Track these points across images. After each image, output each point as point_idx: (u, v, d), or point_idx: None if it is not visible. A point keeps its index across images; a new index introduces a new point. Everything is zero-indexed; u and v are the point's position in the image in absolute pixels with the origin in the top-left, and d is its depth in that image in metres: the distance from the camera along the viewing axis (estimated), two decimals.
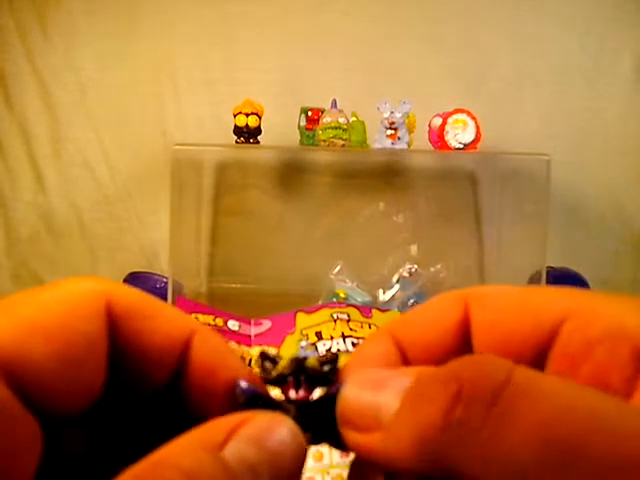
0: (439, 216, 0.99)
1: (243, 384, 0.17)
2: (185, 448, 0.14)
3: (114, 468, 0.16)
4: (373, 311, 0.74)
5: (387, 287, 0.90)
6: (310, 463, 0.67)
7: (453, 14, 1.00)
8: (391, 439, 0.15)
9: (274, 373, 0.17)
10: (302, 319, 0.71)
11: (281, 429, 0.15)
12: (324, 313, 0.71)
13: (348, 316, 0.71)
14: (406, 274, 0.90)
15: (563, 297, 0.17)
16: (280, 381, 0.17)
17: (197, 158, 0.99)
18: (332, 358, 0.18)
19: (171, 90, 1.01)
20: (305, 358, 0.17)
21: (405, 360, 0.18)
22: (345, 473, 0.59)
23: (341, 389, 0.17)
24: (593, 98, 1.00)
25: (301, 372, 0.17)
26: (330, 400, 0.17)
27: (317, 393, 0.17)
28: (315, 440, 0.17)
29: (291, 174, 1.01)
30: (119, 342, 0.16)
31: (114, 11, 1.00)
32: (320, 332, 0.68)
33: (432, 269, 0.91)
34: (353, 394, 0.16)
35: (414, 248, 0.96)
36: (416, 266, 0.91)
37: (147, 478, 0.13)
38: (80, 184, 1.03)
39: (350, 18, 1.00)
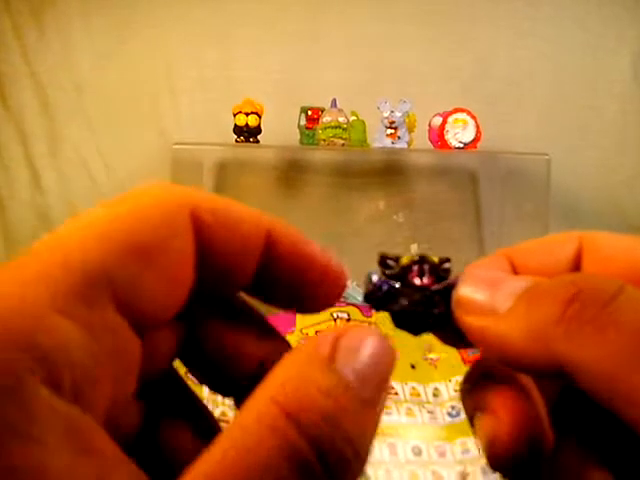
0: (439, 215, 0.99)
1: (375, 276, 0.19)
2: (304, 364, 0.15)
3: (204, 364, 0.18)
4: (373, 310, 0.74)
5: None
6: None
7: (452, 14, 1.00)
8: (506, 324, 0.16)
9: (397, 268, 0.19)
10: (302, 318, 0.71)
11: (376, 338, 0.16)
12: (324, 312, 0.71)
13: (348, 315, 0.71)
14: None
15: None
16: (403, 274, 0.19)
17: (197, 158, 0.98)
18: (447, 259, 0.19)
19: (169, 89, 1.01)
20: (425, 255, 0.19)
21: None
22: None
23: (458, 283, 0.18)
24: (592, 97, 1.01)
25: (423, 262, 0.19)
26: (450, 289, 0.18)
27: (436, 287, 0.19)
28: (433, 326, 0.18)
29: (291, 173, 1.01)
30: (205, 249, 0.16)
31: (110, 11, 1.00)
32: (320, 331, 0.68)
33: None
34: (469, 290, 0.18)
35: (414, 247, 0.96)
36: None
37: (288, 396, 0.14)
38: (77, 183, 1.02)
39: (350, 18, 1.00)
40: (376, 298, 0.19)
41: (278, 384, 0.14)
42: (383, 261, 0.19)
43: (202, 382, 0.19)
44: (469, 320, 0.17)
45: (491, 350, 0.16)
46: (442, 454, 0.71)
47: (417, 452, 0.71)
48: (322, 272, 0.18)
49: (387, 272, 0.19)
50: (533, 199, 0.93)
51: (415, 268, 0.19)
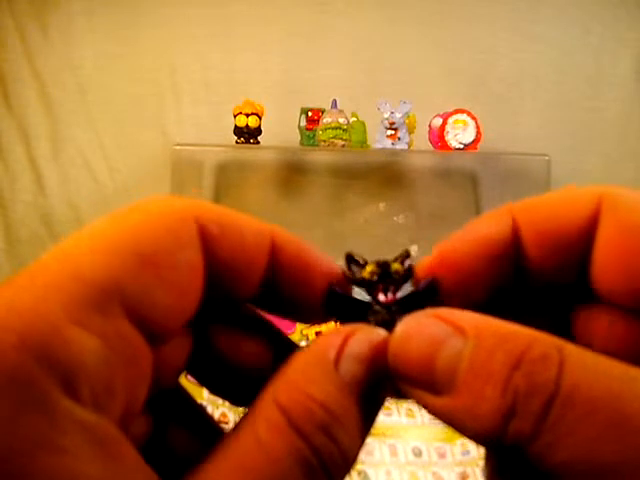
0: (439, 216, 0.99)
1: (337, 289, 0.18)
2: (309, 370, 0.15)
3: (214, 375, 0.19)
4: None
5: None
6: None
7: (453, 15, 1.00)
8: (452, 409, 0.15)
9: (360, 276, 0.19)
10: None
11: (381, 344, 0.16)
12: None
13: None
14: None
15: None
16: (367, 284, 0.18)
17: (197, 158, 0.99)
18: (406, 254, 0.19)
19: (171, 90, 1.01)
20: (388, 264, 0.19)
21: (518, 244, 0.18)
22: None
23: (422, 288, 0.18)
24: (593, 98, 1.01)
25: (387, 276, 0.18)
26: (416, 296, 0.18)
27: (402, 292, 0.18)
28: None
29: (291, 174, 1.01)
30: (212, 259, 0.16)
31: (113, 11, 1.00)
32: (320, 332, 0.68)
33: None
34: (404, 348, 0.16)
35: (414, 248, 0.96)
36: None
37: (289, 404, 0.15)
38: (80, 184, 1.03)
39: (350, 18, 1.00)
40: (342, 313, 0.18)
41: (284, 389, 0.15)
42: (348, 263, 0.19)
43: (212, 391, 0.19)
44: (413, 393, 0.16)
45: (441, 421, 0.16)
46: (442, 455, 0.71)
47: (417, 453, 0.71)
48: (325, 281, 0.18)
49: (350, 278, 0.19)
50: None
51: (379, 286, 0.18)
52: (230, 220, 0.17)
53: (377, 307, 0.18)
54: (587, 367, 0.14)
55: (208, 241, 0.16)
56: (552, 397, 0.14)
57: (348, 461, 0.15)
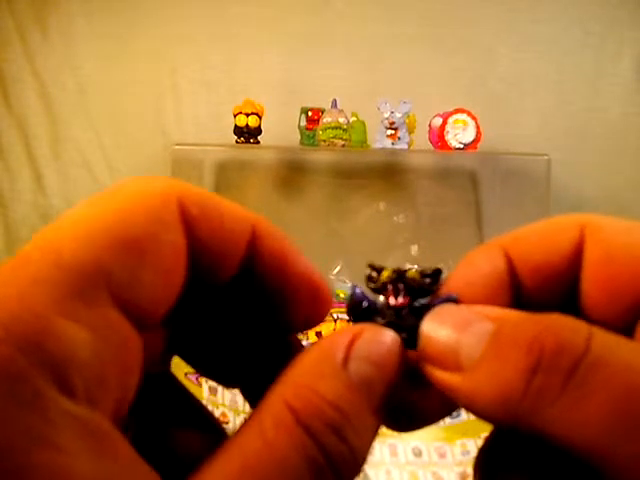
0: (439, 216, 0.99)
1: (357, 291, 0.19)
2: (317, 369, 0.15)
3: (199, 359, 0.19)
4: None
5: None
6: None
7: (453, 15, 1.00)
8: (473, 385, 0.15)
9: (378, 282, 0.19)
10: None
11: (390, 344, 0.16)
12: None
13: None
14: None
15: None
16: (381, 288, 0.19)
17: (197, 158, 0.99)
18: (434, 272, 0.19)
19: (171, 90, 1.01)
20: (406, 270, 0.19)
21: (514, 276, 0.19)
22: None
23: (437, 305, 0.18)
24: (593, 98, 1.01)
25: (400, 281, 0.19)
26: (427, 308, 0.18)
27: (419, 303, 0.18)
28: (407, 345, 0.18)
29: (291, 174, 1.01)
30: (193, 241, 0.16)
31: (113, 11, 1.00)
32: (320, 332, 0.68)
33: None
34: (432, 330, 0.17)
35: (414, 248, 0.96)
36: (416, 266, 0.91)
37: (297, 402, 0.15)
38: (80, 184, 1.03)
39: (350, 18, 1.00)
40: (355, 313, 0.19)
41: (292, 388, 0.15)
42: (369, 273, 0.19)
43: (205, 375, 0.20)
44: (436, 374, 0.16)
45: (460, 404, 0.16)
46: (442, 455, 0.71)
47: (417, 453, 0.71)
48: (306, 281, 0.18)
49: (369, 285, 0.19)
50: (533, 200, 0.93)
51: (389, 288, 0.18)
52: (211, 202, 0.17)
53: (387, 310, 0.18)
54: (613, 340, 0.15)
55: (189, 222, 0.16)
56: (581, 357, 0.14)
57: (358, 461, 0.15)
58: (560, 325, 0.15)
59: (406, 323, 0.18)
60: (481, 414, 0.15)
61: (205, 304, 0.18)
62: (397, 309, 0.18)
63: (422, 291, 0.18)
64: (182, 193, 0.16)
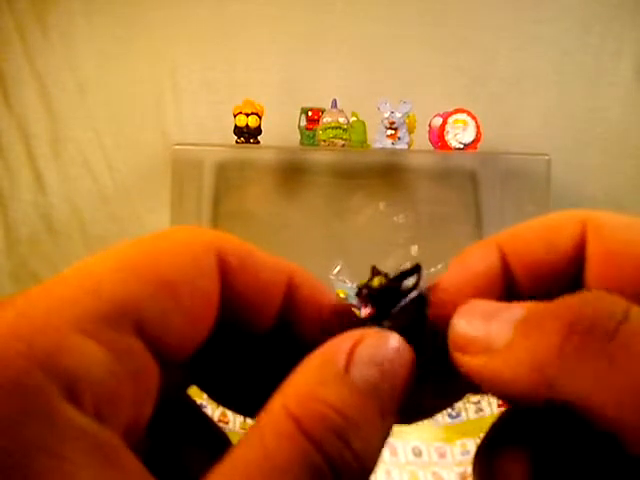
0: (439, 216, 0.99)
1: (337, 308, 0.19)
2: (318, 376, 0.15)
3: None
4: None
5: None
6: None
7: (453, 15, 1.00)
8: (504, 362, 0.15)
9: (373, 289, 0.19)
10: None
11: (393, 345, 0.16)
12: None
13: None
14: None
15: None
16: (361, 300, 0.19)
17: (197, 158, 0.99)
18: (413, 268, 0.19)
19: (171, 90, 1.01)
20: (371, 279, 0.19)
21: (508, 275, 0.18)
22: None
23: (426, 295, 0.18)
24: (593, 98, 1.01)
25: (367, 292, 0.19)
26: (404, 310, 0.18)
27: (398, 306, 0.18)
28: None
29: (291, 174, 1.01)
30: (228, 290, 0.17)
31: (113, 11, 1.00)
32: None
33: (432, 269, 0.91)
34: (463, 325, 0.17)
35: (414, 248, 0.96)
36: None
37: (299, 409, 0.14)
38: (80, 184, 1.03)
39: (350, 18, 1.00)
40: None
41: (294, 396, 0.15)
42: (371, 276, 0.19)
43: (224, 406, 0.20)
44: (465, 360, 0.16)
45: (489, 388, 0.16)
46: (442, 455, 0.71)
47: (417, 453, 0.71)
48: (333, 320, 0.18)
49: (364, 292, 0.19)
50: (533, 200, 0.93)
51: (359, 299, 0.18)
52: (249, 254, 0.17)
53: (365, 322, 0.18)
54: None
55: (227, 273, 0.16)
56: (621, 321, 0.14)
57: (364, 467, 0.14)
58: (598, 297, 0.15)
59: (400, 324, 0.17)
60: (511, 393, 0.15)
61: (237, 348, 0.18)
62: (366, 320, 0.18)
63: (394, 294, 0.18)
64: (223, 243, 0.17)
